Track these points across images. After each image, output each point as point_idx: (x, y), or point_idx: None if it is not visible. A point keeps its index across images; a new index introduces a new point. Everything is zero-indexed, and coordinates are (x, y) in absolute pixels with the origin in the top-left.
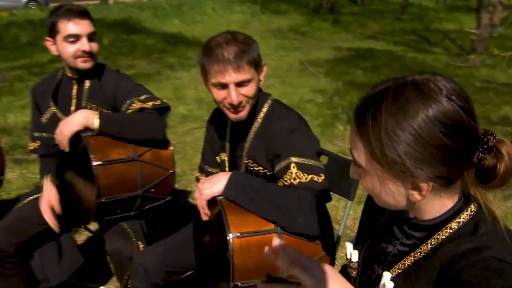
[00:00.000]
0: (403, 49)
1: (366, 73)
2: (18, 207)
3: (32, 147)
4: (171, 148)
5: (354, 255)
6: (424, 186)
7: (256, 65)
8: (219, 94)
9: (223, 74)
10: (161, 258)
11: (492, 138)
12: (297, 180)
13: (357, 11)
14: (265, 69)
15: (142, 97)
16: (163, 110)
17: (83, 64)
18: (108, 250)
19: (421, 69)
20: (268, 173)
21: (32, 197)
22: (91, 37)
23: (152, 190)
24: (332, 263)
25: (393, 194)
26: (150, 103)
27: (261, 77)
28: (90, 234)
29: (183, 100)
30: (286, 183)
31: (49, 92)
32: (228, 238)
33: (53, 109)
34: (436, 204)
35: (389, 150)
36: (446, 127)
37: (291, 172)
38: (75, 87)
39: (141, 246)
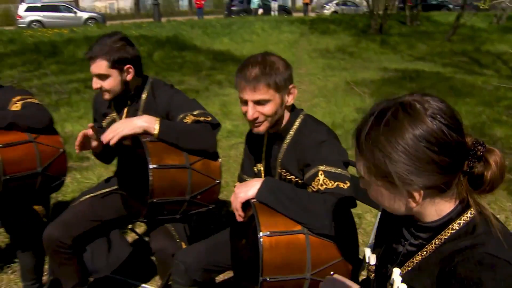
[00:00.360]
0: (451, 70)
1: None
2: (75, 204)
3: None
4: (219, 160)
5: (371, 259)
6: (416, 195)
7: (278, 88)
8: (242, 108)
9: (243, 92)
10: (201, 256)
11: (481, 148)
12: (324, 186)
13: (406, 32)
14: (294, 92)
15: (195, 112)
16: (214, 126)
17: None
18: (153, 248)
19: (469, 91)
20: (299, 181)
21: (87, 196)
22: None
23: (198, 196)
24: (357, 268)
25: (393, 201)
26: (202, 118)
27: (288, 99)
28: (136, 237)
29: (230, 116)
30: (313, 189)
31: (107, 102)
32: (259, 236)
33: (113, 115)
34: (433, 209)
35: (383, 165)
36: (430, 143)
37: (319, 179)
38: (129, 99)
39: (184, 246)
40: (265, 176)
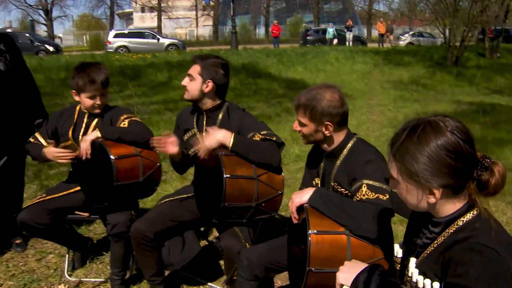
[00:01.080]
0: None
1: (485, 128)
2: (158, 205)
3: None
4: (282, 174)
5: (399, 252)
6: (436, 192)
7: (312, 118)
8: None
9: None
10: (263, 254)
11: (488, 160)
12: (365, 197)
13: (484, 64)
14: (329, 128)
15: (262, 132)
16: (278, 145)
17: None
18: (222, 246)
19: None
20: (349, 193)
21: (168, 199)
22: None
23: (263, 204)
24: (392, 270)
25: (417, 198)
26: (268, 138)
27: (324, 131)
28: (206, 242)
29: (298, 141)
30: (357, 199)
31: (190, 119)
32: (308, 233)
33: (194, 130)
34: (446, 207)
35: (412, 166)
36: (449, 151)
37: (362, 191)
38: (205, 118)
39: (248, 246)
40: None
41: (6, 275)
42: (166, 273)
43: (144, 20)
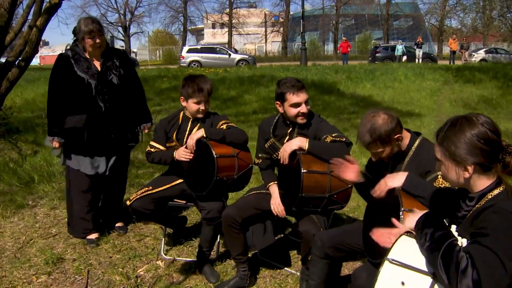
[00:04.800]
0: None
1: None
2: (245, 196)
3: (257, 162)
4: None
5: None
6: (469, 168)
7: (382, 142)
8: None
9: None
10: (335, 236)
11: (511, 147)
12: (443, 185)
13: None
14: (400, 138)
15: (333, 134)
16: (347, 144)
17: (301, 121)
18: (301, 229)
19: None
20: None
21: (254, 192)
22: (306, 102)
23: (335, 196)
24: None
25: (455, 174)
26: (338, 139)
27: (396, 143)
28: (282, 235)
29: (366, 154)
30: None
31: (269, 129)
32: (401, 210)
33: (272, 139)
34: (479, 182)
35: (451, 149)
36: (479, 138)
37: (439, 181)
38: (289, 129)
39: (321, 230)
40: None
41: (114, 250)
42: (250, 254)
43: (215, 36)
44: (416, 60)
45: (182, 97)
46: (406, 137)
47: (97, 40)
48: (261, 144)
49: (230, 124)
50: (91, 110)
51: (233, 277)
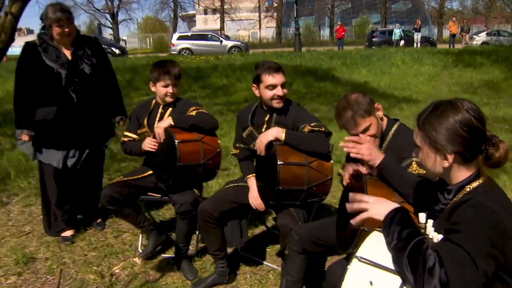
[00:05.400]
0: None
1: None
2: (223, 188)
3: (234, 152)
4: (331, 161)
5: (422, 218)
6: (449, 157)
7: (369, 112)
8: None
9: (351, 130)
10: (312, 230)
11: (496, 138)
12: (417, 172)
13: None
14: (379, 106)
15: (312, 124)
16: (327, 134)
17: (277, 104)
18: (278, 223)
19: None
20: None
21: (232, 184)
22: (283, 85)
23: (314, 188)
24: None
25: (434, 162)
26: (316, 128)
27: (379, 114)
28: (265, 228)
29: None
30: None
31: (247, 117)
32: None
33: (250, 128)
34: (458, 174)
35: (431, 134)
36: (462, 124)
37: (413, 167)
38: (267, 116)
39: (300, 224)
40: None
41: (89, 247)
42: (230, 249)
43: (206, 22)
44: (415, 44)
45: (151, 82)
46: (384, 122)
47: (66, 29)
48: (239, 134)
49: (200, 110)
50: (62, 101)
51: (211, 274)
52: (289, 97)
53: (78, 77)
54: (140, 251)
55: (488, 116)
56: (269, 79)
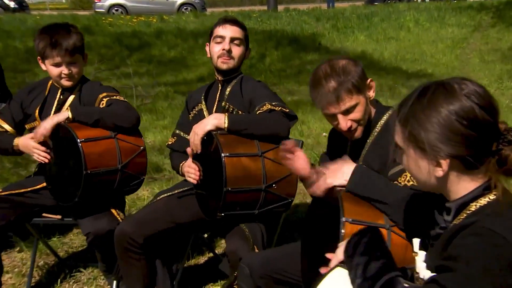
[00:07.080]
0: None
1: None
2: (153, 202)
3: (170, 142)
4: None
5: (415, 244)
6: (443, 163)
7: (358, 89)
8: (333, 123)
9: (327, 108)
10: (268, 262)
11: None
12: (410, 183)
13: None
14: (372, 84)
15: (273, 103)
16: (290, 117)
17: (222, 64)
18: (226, 251)
19: None
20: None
21: (164, 195)
22: (236, 41)
23: (274, 186)
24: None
25: (424, 171)
26: (279, 108)
27: (370, 94)
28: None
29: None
30: (400, 184)
31: (201, 93)
32: (341, 221)
33: (202, 105)
34: (459, 186)
35: (417, 133)
36: (461, 117)
37: (406, 175)
38: (219, 90)
39: (256, 250)
40: None
41: None
42: None
43: None
44: None
45: (39, 58)
46: (372, 109)
47: None
48: (183, 118)
49: (114, 98)
50: None
51: None
52: (260, 74)
53: None
54: None
55: None
56: (219, 30)
